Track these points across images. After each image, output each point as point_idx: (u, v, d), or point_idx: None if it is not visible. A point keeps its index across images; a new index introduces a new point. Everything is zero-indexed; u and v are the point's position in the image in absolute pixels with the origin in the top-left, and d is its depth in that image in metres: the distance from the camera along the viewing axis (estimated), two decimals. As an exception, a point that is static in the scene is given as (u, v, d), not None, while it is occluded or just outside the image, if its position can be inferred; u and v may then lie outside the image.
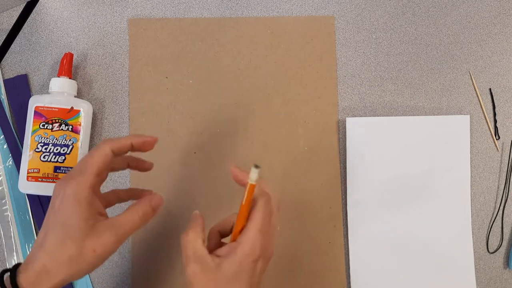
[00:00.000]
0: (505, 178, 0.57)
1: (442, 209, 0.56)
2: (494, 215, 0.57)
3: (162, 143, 0.54)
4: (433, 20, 0.59)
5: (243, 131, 0.56)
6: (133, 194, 0.46)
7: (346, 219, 0.55)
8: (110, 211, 0.40)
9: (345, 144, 0.56)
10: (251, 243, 0.36)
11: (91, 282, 0.53)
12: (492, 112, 0.58)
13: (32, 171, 0.51)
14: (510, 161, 0.57)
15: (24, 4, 0.57)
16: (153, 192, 0.43)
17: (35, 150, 0.51)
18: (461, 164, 0.56)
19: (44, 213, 0.53)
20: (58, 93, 0.52)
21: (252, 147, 0.56)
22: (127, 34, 0.57)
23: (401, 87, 0.58)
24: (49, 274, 0.35)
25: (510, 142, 0.58)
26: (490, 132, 0.58)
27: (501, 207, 0.57)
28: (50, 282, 0.35)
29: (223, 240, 0.41)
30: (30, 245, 0.53)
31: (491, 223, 0.57)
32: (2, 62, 0.56)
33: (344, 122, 0.57)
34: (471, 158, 0.57)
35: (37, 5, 0.57)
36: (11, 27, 0.56)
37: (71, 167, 0.51)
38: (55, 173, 0.51)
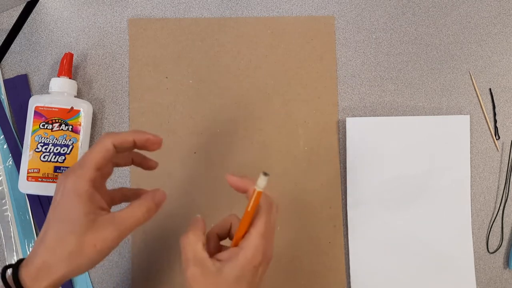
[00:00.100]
0: (505, 178, 0.57)
1: (442, 209, 0.56)
2: (494, 215, 0.57)
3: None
4: (433, 20, 0.59)
5: (243, 131, 0.56)
6: (139, 194, 0.45)
7: (346, 219, 0.55)
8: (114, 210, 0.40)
9: (345, 144, 0.56)
10: (253, 249, 0.36)
11: (91, 282, 0.53)
12: (492, 112, 0.58)
13: (32, 171, 0.51)
14: (510, 161, 0.57)
15: (24, 4, 0.57)
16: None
17: (35, 150, 0.51)
18: (461, 164, 0.56)
19: (44, 213, 0.53)
20: (58, 93, 0.52)
21: (252, 147, 0.56)
22: (127, 34, 0.57)
23: (401, 87, 0.58)
24: (49, 269, 0.35)
25: (510, 142, 0.58)
26: (490, 132, 0.58)
27: (501, 207, 0.57)
28: (51, 278, 0.35)
29: (222, 242, 0.41)
30: (30, 245, 0.53)
31: (491, 223, 0.57)
32: (2, 62, 0.56)
33: (344, 122, 0.57)
34: (471, 158, 0.57)
35: (37, 5, 0.57)
36: (11, 27, 0.56)
37: (71, 167, 0.51)
38: (55, 173, 0.51)
